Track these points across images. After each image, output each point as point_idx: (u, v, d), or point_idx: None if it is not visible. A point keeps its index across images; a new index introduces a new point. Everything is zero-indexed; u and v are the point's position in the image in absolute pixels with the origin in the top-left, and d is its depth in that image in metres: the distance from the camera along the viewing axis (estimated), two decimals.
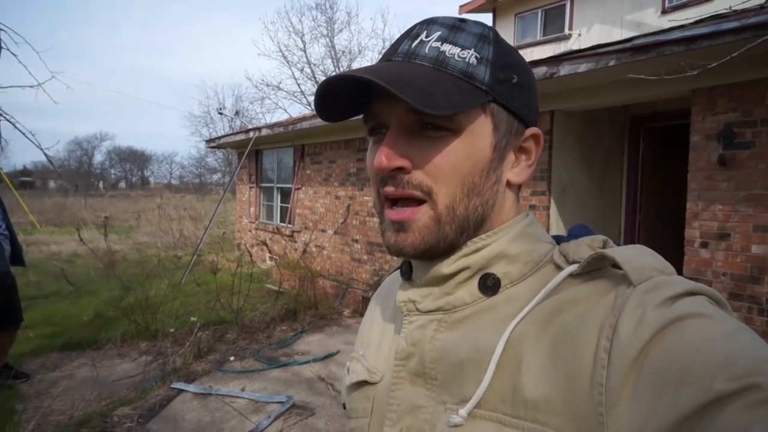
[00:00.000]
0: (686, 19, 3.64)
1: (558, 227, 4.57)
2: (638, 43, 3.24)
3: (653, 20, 7.66)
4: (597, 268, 0.49)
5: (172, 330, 4.84)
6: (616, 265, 0.47)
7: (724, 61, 2.51)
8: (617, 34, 7.69)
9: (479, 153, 0.53)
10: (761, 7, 2.81)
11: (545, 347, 0.47)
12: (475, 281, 0.54)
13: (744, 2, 2.99)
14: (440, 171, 0.51)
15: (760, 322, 3.13)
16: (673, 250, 4.00)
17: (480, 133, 0.53)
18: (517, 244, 0.55)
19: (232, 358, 4.62)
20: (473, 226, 0.54)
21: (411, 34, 0.54)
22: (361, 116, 0.58)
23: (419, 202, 0.52)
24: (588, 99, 4.11)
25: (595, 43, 4.07)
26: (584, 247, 0.51)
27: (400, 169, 0.52)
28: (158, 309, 5.35)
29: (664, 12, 7.76)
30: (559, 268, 0.52)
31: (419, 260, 0.57)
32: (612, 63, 3.35)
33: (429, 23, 0.54)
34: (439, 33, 0.53)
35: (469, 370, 0.50)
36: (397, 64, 0.52)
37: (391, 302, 0.66)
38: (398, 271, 0.72)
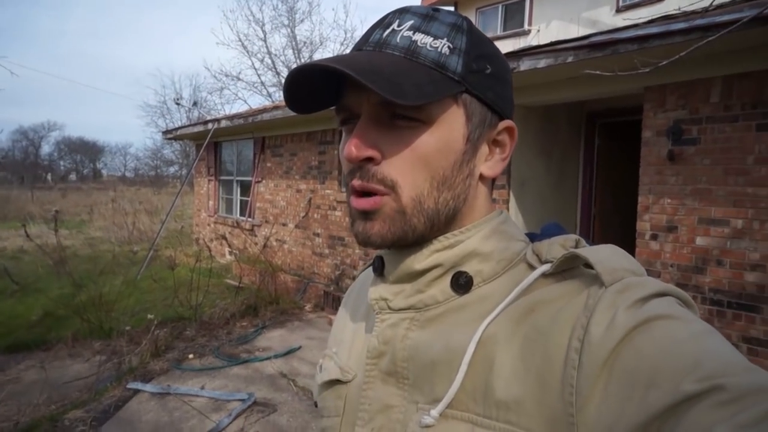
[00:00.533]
0: (639, 18, 3.75)
1: (517, 220, 4.67)
2: (595, 40, 3.33)
3: (608, 18, 7.90)
4: (569, 267, 0.50)
5: (127, 328, 4.69)
6: (588, 265, 0.47)
7: (673, 59, 2.60)
8: (574, 30, 7.88)
9: (451, 145, 0.52)
10: (706, 10, 2.93)
11: (517, 347, 0.47)
12: (448, 279, 0.54)
13: (693, 3, 3.11)
14: (407, 163, 0.50)
15: (702, 311, 3.29)
16: (626, 243, 4.16)
17: (452, 125, 0.52)
18: (490, 241, 0.55)
19: (191, 356, 4.51)
20: (444, 219, 0.53)
21: (383, 23, 0.53)
22: (328, 108, 0.57)
23: (383, 193, 0.52)
24: (547, 94, 4.20)
25: (553, 39, 4.16)
26: (557, 247, 0.51)
27: (370, 160, 0.51)
28: (113, 306, 5.17)
29: (618, 11, 8.01)
30: (532, 268, 0.52)
31: (392, 254, 0.56)
32: (570, 59, 3.43)
33: (402, 12, 0.53)
34: (411, 22, 0.52)
35: (441, 370, 0.50)
36: (367, 53, 0.51)
37: (364, 299, 0.65)
38: (371, 267, 0.71)
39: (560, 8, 8.86)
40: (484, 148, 0.56)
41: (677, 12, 3.29)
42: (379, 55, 0.50)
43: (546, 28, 9.01)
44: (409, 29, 0.51)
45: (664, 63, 2.62)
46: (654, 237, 3.55)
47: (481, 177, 0.56)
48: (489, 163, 0.56)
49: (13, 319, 5.45)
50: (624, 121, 5.12)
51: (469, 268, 0.54)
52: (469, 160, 0.54)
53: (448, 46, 0.51)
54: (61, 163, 60.30)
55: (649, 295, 0.43)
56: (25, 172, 48.28)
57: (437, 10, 0.54)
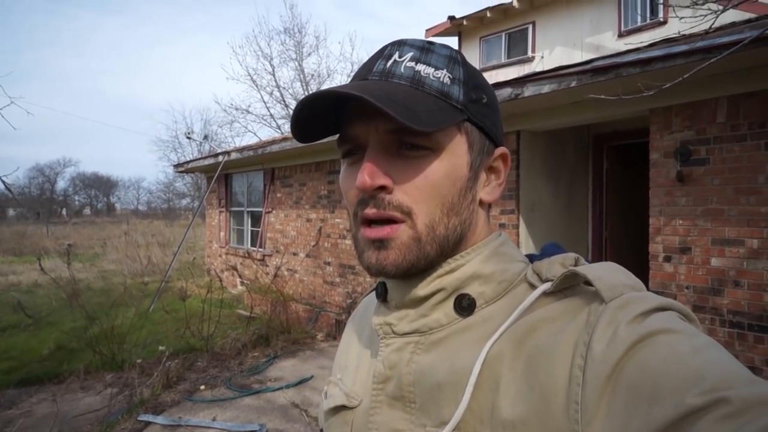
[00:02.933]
0: (641, 42, 3.81)
1: (527, 245, 4.64)
2: (597, 65, 3.37)
3: (611, 43, 8.00)
4: (569, 285, 0.50)
5: (139, 360, 4.68)
6: (587, 283, 0.48)
7: (676, 82, 2.63)
8: (578, 55, 7.98)
9: (457, 172, 0.53)
10: (706, 32, 2.97)
11: (521, 367, 0.47)
12: (451, 302, 0.54)
13: (692, 27, 3.15)
14: (420, 191, 0.51)
15: (722, 333, 3.22)
16: (639, 265, 4.11)
17: (457, 152, 0.53)
18: (491, 263, 0.55)
19: (202, 387, 4.48)
20: (452, 245, 0.54)
21: (383, 54, 0.55)
22: (330, 138, 0.58)
23: (400, 221, 0.52)
24: (552, 119, 4.23)
25: (557, 64, 4.22)
26: (556, 266, 0.52)
27: (382, 189, 0.51)
28: (124, 339, 5.16)
29: (621, 36, 8.11)
30: (533, 287, 0.53)
31: (396, 281, 0.56)
32: (573, 84, 3.47)
33: (400, 44, 0.55)
34: (411, 54, 0.53)
35: (447, 392, 0.50)
36: (377, 82, 0.52)
37: (368, 325, 0.65)
38: (374, 292, 0.71)
39: (563, 34, 8.99)
40: (483, 175, 0.58)
41: (678, 35, 3.33)
42: (388, 84, 0.52)
43: (550, 55, 9.13)
44: (411, 60, 0.53)
45: (668, 85, 2.64)
46: (667, 259, 3.51)
47: (480, 202, 0.58)
48: (487, 189, 0.58)
49: (27, 352, 5.46)
50: (631, 143, 5.13)
51: (472, 290, 0.54)
52: (472, 187, 0.56)
53: (449, 77, 0.53)
54: (76, 198, 61.29)
55: (650, 309, 0.43)
56: (41, 207, 49.09)
57: (431, 43, 0.56)
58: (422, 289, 0.55)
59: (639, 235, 4.45)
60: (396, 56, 0.54)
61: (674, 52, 2.96)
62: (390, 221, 0.52)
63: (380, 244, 0.52)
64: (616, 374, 0.40)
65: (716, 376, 0.37)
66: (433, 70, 0.53)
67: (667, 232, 3.51)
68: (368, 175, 0.50)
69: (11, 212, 48.86)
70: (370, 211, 0.52)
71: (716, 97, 3.26)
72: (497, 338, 0.49)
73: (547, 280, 0.52)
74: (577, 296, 0.49)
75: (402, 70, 0.52)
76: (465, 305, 0.54)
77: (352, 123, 0.53)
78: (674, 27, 4.59)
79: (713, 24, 2.93)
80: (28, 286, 9.94)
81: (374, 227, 0.52)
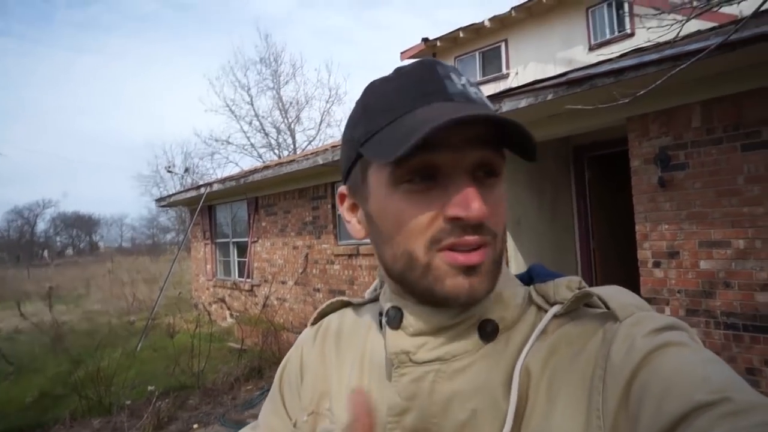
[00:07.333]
0: (611, 53, 3.89)
1: (516, 259, 4.64)
2: (572, 77, 3.43)
3: (582, 56, 8.20)
4: (575, 308, 0.52)
5: (128, 402, 4.54)
6: (589, 305, 0.52)
7: (650, 89, 2.68)
8: (551, 70, 8.15)
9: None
10: (674, 40, 3.05)
11: (544, 387, 0.48)
12: (475, 328, 0.53)
13: (660, 36, 3.23)
14: (499, 216, 0.52)
15: (718, 336, 3.22)
16: (628, 273, 4.12)
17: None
18: (507, 287, 0.55)
19: (195, 426, 4.35)
20: None
21: (439, 74, 0.52)
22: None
23: (489, 245, 0.51)
24: (531, 132, 4.27)
25: (531, 79, 4.28)
26: (563, 289, 0.53)
27: None
28: (112, 381, 5.00)
29: (591, 49, 8.33)
30: (541, 309, 0.54)
31: (423, 307, 0.54)
32: (550, 97, 3.52)
33: (443, 65, 0.53)
34: (457, 74, 0.53)
35: (484, 418, 0.49)
36: (481, 106, 0.51)
37: (354, 347, 0.62)
38: (349, 308, 0.69)
39: (535, 50, 9.20)
40: None
41: (649, 44, 3.41)
42: (486, 108, 0.50)
43: (524, 70, 9.32)
44: (466, 83, 0.52)
45: (642, 93, 2.69)
46: (657, 264, 3.52)
47: None
48: None
49: (8, 402, 5.24)
50: (611, 152, 5.21)
51: (495, 315, 0.54)
52: None
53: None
54: (57, 238, 60.23)
55: (662, 327, 0.46)
56: (20, 251, 48.09)
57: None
58: (453, 317, 0.53)
59: (626, 243, 4.48)
60: (454, 78, 0.52)
61: (645, 61, 3.02)
62: (479, 247, 0.50)
63: (471, 270, 0.50)
64: (633, 378, 0.42)
65: (722, 381, 0.39)
66: (481, 93, 0.53)
67: (654, 237, 3.53)
68: (481, 203, 0.48)
69: None
70: (472, 238, 0.49)
71: (690, 102, 3.33)
72: (524, 359, 0.50)
73: (555, 303, 0.53)
74: (588, 318, 0.51)
75: (472, 94, 0.51)
76: (489, 331, 0.53)
77: (434, 149, 0.48)
78: (642, 38, 4.71)
79: (679, 33, 3.01)
80: (9, 332, 9.63)
81: (465, 253, 0.49)
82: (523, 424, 0.48)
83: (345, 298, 0.71)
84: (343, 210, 0.61)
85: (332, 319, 0.70)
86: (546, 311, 0.53)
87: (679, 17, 3.08)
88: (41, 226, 56.63)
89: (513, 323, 0.54)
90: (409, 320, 0.55)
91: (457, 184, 0.49)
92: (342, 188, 0.60)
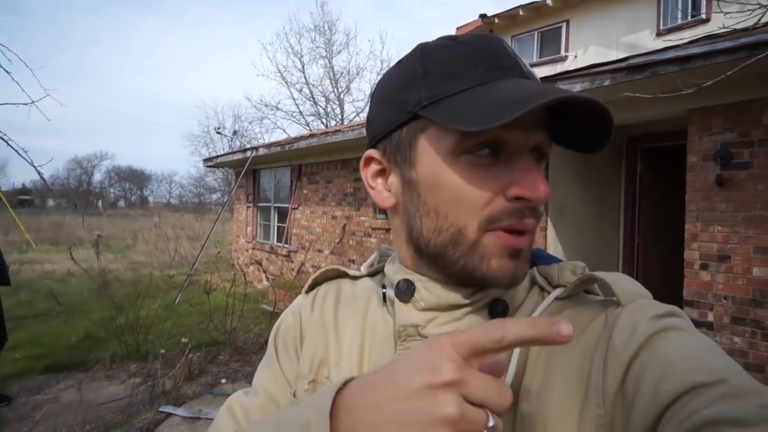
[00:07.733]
0: (680, 39, 3.64)
1: (555, 249, 4.51)
2: (633, 62, 3.23)
3: (648, 42, 7.73)
4: (578, 292, 0.53)
5: (162, 351, 4.74)
6: (591, 292, 0.53)
7: (718, 80, 2.49)
8: (613, 55, 7.73)
9: None
10: (753, 27, 2.80)
11: (542, 363, 0.49)
12: (486, 308, 0.53)
13: (738, 23, 2.98)
14: (544, 200, 0.51)
15: (764, 348, 3.04)
16: (672, 272, 3.94)
17: None
18: None
19: (223, 381, 4.51)
20: None
21: (511, 51, 0.52)
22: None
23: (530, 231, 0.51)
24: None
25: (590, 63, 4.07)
26: (567, 272, 0.54)
27: None
28: (149, 330, 5.24)
29: (659, 34, 7.84)
30: (543, 290, 0.55)
31: (439, 283, 0.53)
32: (607, 82, 3.34)
33: (504, 42, 0.53)
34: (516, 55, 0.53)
35: None
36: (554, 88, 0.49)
37: (353, 320, 0.61)
38: (345, 280, 0.67)
39: (598, 34, 8.75)
40: None
41: (722, 31, 3.16)
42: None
43: (583, 54, 8.90)
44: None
45: (709, 83, 2.51)
46: (704, 267, 3.34)
47: None
48: None
49: (56, 340, 5.60)
50: (666, 146, 4.93)
51: (506, 296, 0.54)
52: None
53: None
54: (111, 190, 63.24)
55: (664, 313, 0.46)
56: (78, 199, 50.84)
57: None
58: (469, 296, 0.53)
59: (673, 242, 4.27)
60: (517, 58, 0.52)
61: (716, 49, 2.80)
62: (526, 232, 0.51)
63: (517, 254, 0.50)
64: (633, 359, 0.43)
65: (720, 364, 0.40)
66: None
67: (704, 238, 3.34)
68: (545, 185, 0.48)
69: (51, 203, 50.76)
70: (530, 221, 0.50)
71: (762, 97, 3.08)
72: None
73: (558, 286, 0.54)
74: (589, 302, 0.51)
75: (536, 76, 0.52)
76: (500, 311, 0.53)
77: (511, 127, 0.46)
78: (718, 24, 4.39)
79: (760, 20, 2.77)
80: (62, 275, 10.25)
81: (516, 236, 0.49)
82: (521, 394, 0.48)
83: (341, 268, 0.69)
84: (368, 174, 0.58)
85: (329, 287, 0.68)
86: (549, 293, 0.54)
87: (764, 1, 2.82)
88: (97, 177, 59.58)
89: (520, 304, 0.55)
90: (422, 294, 0.54)
91: (524, 164, 0.48)
92: (371, 151, 0.58)
